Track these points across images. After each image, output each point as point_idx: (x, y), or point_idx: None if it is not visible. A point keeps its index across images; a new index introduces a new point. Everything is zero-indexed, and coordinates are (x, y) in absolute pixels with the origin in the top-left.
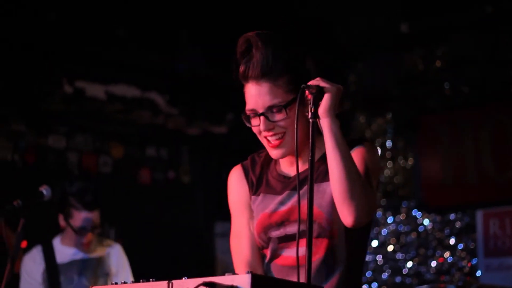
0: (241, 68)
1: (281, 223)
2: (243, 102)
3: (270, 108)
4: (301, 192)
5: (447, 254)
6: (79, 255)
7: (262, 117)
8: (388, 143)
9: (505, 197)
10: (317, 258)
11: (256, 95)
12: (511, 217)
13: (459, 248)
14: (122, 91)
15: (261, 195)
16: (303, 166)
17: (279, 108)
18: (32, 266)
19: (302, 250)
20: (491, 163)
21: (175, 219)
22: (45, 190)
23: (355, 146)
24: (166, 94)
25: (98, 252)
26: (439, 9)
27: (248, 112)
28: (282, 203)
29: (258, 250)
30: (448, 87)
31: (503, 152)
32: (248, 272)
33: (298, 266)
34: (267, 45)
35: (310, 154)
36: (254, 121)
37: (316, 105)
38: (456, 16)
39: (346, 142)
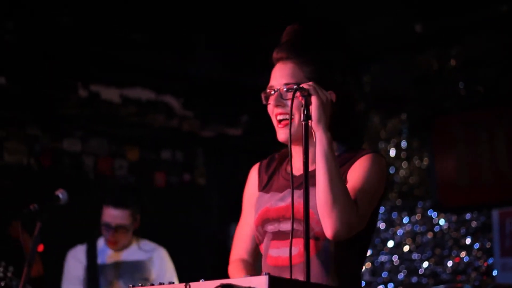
0: (274, 51)
1: (277, 219)
2: (258, 104)
3: (285, 85)
4: (300, 191)
5: (463, 254)
6: (121, 257)
7: (276, 93)
8: (403, 144)
9: None
10: (303, 260)
11: (278, 72)
12: None
13: (475, 247)
14: (137, 94)
15: (270, 192)
16: (313, 165)
17: (292, 85)
18: (74, 264)
19: (292, 250)
20: (506, 163)
21: (191, 221)
22: (61, 193)
23: (363, 154)
24: (181, 97)
25: (138, 256)
26: (453, 9)
27: (267, 90)
28: (281, 199)
29: (257, 244)
30: (463, 87)
31: None
32: (265, 274)
33: (290, 265)
34: (300, 31)
35: (303, 156)
36: (271, 99)
37: (308, 107)
38: (471, 15)
39: (357, 150)
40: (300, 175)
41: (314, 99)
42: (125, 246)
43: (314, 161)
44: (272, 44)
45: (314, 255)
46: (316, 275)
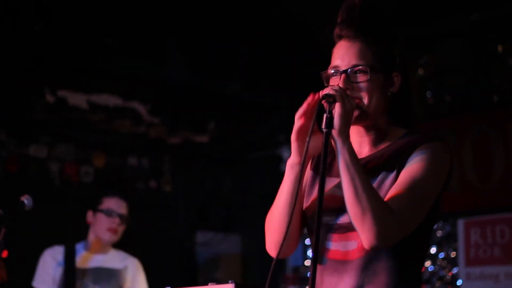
0: (337, 27)
1: (335, 209)
2: (225, 111)
3: (353, 67)
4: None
5: (428, 263)
6: (98, 263)
7: (343, 75)
8: None
9: (487, 206)
10: (363, 255)
11: (344, 51)
12: (492, 226)
13: (440, 257)
14: (104, 100)
15: (327, 176)
16: (372, 149)
17: (363, 68)
18: (51, 262)
19: (350, 244)
20: (473, 172)
21: (157, 228)
22: (26, 199)
23: (427, 140)
24: (148, 103)
25: (114, 264)
26: (422, 18)
27: (329, 70)
28: (339, 187)
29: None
30: (431, 96)
31: (485, 161)
32: (231, 282)
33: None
34: (362, 7)
35: (321, 166)
36: (333, 80)
37: (331, 114)
38: (439, 24)
39: (419, 133)
40: (362, 159)
41: (337, 107)
42: (106, 249)
43: (373, 145)
44: (241, 49)
45: (373, 252)
46: (376, 273)
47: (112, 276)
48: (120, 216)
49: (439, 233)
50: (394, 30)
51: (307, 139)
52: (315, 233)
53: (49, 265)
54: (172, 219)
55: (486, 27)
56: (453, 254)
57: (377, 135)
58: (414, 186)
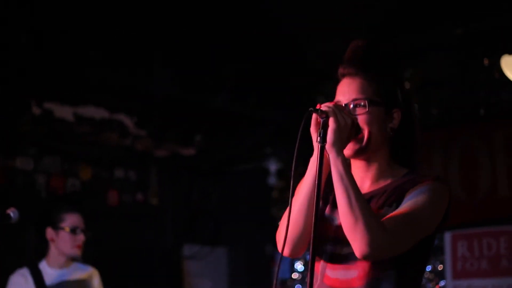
0: (341, 66)
1: (337, 240)
2: (212, 124)
3: (353, 101)
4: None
5: None
6: (65, 277)
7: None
8: None
9: (474, 219)
10: (365, 283)
11: (346, 87)
12: (479, 239)
13: (427, 270)
14: (90, 112)
15: (330, 206)
16: (373, 185)
17: (362, 102)
18: (22, 282)
19: (350, 273)
20: (459, 185)
21: (144, 241)
22: (12, 212)
23: (426, 180)
24: (135, 115)
25: (82, 276)
26: (407, 31)
27: None
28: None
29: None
30: (417, 109)
31: (471, 174)
32: None
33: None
34: (365, 47)
35: (317, 180)
36: None
37: (325, 130)
38: (426, 37)
39: (420, 174)
40: (364, 194)
41: (331, 122)
42: (68, 263)
43: (375, 181)
44: (228, 62)
45: (374, 279)
46: None
47: (81, 286)
48: (84, 232)
49: None
50: (399, 70)
51: (296, 145)
52: (311, 258)
53: (19, 285)
54: (159, 231)
55: (472, 40)
56: (440, 267)
57: (378, 171)
58: (408, 214)
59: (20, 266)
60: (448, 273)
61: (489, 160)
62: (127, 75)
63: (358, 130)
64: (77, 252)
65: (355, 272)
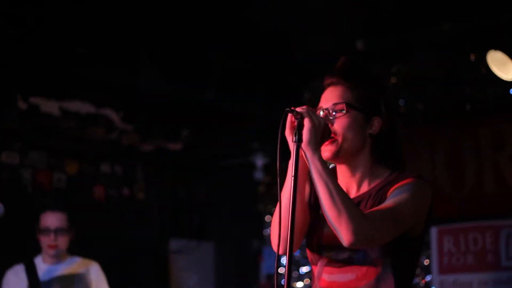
0: (325, 77)
1: (333, 246)
2: (198, 119)
3: (334, 105)
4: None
5: None
6: (58, 272)
7: (324, 112)
8: None
9: (460, 214)
10: (363, 284)
11: (328, 95)
12: (465, 234)
13: None
14: (77, 107)
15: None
16: (359, 190)
17: (340, 106)
18: (15, 280)
19: (347, 276)
20: (446, 180)
21: (130, 235)
22: None
23: (406, 178)
24: (121, 110)
25: (78, 269)
26: (394, 27)
27: (316, 111)
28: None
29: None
30: (403, 105)
31: (457, 169)
32: None
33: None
34: (350, 61)
35: (292, 178)
36: None
37: (300, 130)
38: (412, 33)
39: (401, 173)
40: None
41: (306, 122)
42: (63, 257)
43: (360, 186)
44: (215, 58)
45: (372, 280)
46: None
47: (77, 281)
48: (56, 230)
49: None
50: (381, 82)
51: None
52: (288, 257)
53: (13, 283)
54: (145, 226)
55: (459, 36)
56: (426, 262)
57: (362, 174)
58: (389, 207)
59: (18, 261)
60: (434, 268)
61: (475, 156)
62: (113, 70)
63: (330, 131)
64: (50, 252)
65: (353, 275)
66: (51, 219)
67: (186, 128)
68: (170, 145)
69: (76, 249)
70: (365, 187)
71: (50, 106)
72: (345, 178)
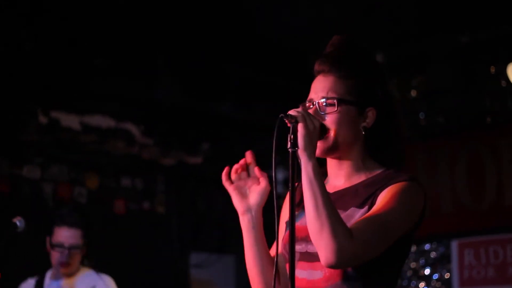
0: (316, 63)
1: (305, 238)
2: (218, 132)
3: (324, 99)
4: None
5: (422, 285)
6: (73, 286)
7: (314, 107)
8: None
9: (480, 227)
10: (329, 285)
11: (318, 85)
12: (486, 247)
13: (434, 278)
14: (97, 121)
15: (301, 209)
16: (346, 183)
17: (331, 101)
18: None
19: (316, 273)
20: (466, 193)
21: (150, 249)
22: (18, 221)
23: (399, 181)
24: (141, 124)
25: (89, 283)
26: (414, 39)
27: (306, 103)
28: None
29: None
30: (424, 117)
31: (478, 182)
32: None
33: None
34: (344, 43)
35: (290, 185)
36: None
37: (295, 135)
38: (432, 45)
39: (395, 173)
40: (333, 192)
41: (300, 127)
42: (74, 272)
43: (348, 178)
44: (233, 70)
45: (339, 281)
46: None
47: None
48: (70, 248)
49: (432, 254)
50: (379, 68)
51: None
52: (290, 259)
53: None
54: (165, 240)
55: (479, 48)
56: (447, 275)
57: (352, 168)
58: (378, 219)
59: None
60: (455, 281)
61: (496, 168)
62: (133, 84)
63: (325, 131)
64: (63, 269)
65: (320, 273)
66: (66, 235)
67: (206, 141)
68: (191, 158)
69: (95, 262)
70: (352, 181)
71: (71, 120)
72: (333, 170)
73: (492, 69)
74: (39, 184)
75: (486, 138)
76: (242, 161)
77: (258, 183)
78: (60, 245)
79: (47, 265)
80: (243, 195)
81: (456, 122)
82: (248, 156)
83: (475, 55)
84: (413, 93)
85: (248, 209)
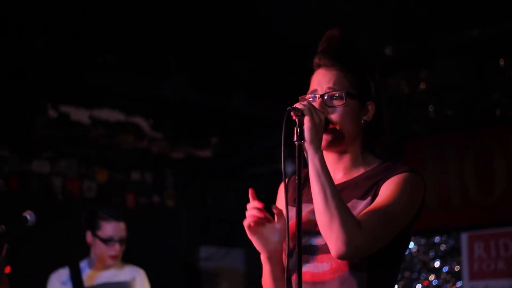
0: (316, 56)
1: (308, 232)
2: (228, 126)
3: (330, 92)
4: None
5: (432, 277)
6: (105, 279)
7: (319, 99)
8: None
9: (490, 219)
10: (336, 276)
11: (321, 78)
12: (496, 240)
13: (444, 271)
14: (106, 115)
15: (302, 203)
16: (345, 176)
17: (339, 94)
18: (58, 286)
19: (322, 266)
20: (475, 186)
21: (160, 243)
22: (29, 215)
23: (400, 172)
24: (150, 118)
25: (122, 277)
26: (423, 32)
27: (307, 96)
28: (313, 211)
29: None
30: (433, 110)
31: (487, 175)
32: None
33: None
34: (341, 38)
35: (297, 178)
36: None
37: (302, 128)
38: (441, 39)
39: (393, 165)
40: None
41: (306, 120)
42: (118, 264)
43: (347, 172)
44: (243, 65)
45: (346, 271)
46: None
47: None
48: (120, 241)
49: (442, 247)
50: (370, 62)
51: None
52: (297, 255)
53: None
54: (174, 234)
55: (487, 41)
56: (457, 268)
57: (351, 162)
58: (384, 210)
59: (63, 264)
60: (465, 274)
61: (505, 161)
62: (142, 78)
63: (328, 124)
64: (110, 262)
65: (327, 265)
66: (115, 229)
67: (215, 136)
68: (200, 152)
69: None
70: (351, 175)
71: (80, 115)
72: (332, 164)
73: (502, 62)
74: (48, 178)
75: (495, 131)
76: (260, 213)
77: (275, 220)
78: (111, 239)
79: (60, 257)
80: (263, 238)
81: (465, 116)
82: (253, 195)
83: (484, 49)
84: (423, 86)
85: (270, 254)
